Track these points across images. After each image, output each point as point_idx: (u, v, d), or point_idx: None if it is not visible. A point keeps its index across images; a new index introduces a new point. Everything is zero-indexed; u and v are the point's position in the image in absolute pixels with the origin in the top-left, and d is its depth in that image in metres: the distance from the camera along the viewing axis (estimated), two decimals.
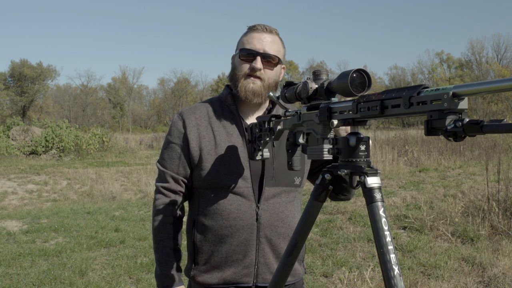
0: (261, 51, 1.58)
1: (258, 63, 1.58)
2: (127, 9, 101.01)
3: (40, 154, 17.74)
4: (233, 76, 1.64)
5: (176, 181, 1.65)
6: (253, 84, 1.59)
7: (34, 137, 18.53)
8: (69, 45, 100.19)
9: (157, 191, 1.67)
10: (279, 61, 1.63)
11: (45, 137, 17.98)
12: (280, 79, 1.69)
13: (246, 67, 1.60)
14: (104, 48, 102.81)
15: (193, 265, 1.67)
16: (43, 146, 17.84)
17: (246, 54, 1.60)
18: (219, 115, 1.66)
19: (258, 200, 1.60)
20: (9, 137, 18.79)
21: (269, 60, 1.60)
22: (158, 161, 1.69)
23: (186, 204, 1.73)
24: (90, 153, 18.35)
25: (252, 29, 1.64)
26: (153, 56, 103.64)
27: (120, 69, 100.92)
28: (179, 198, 1.66)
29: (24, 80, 48.94)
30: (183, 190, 1.67)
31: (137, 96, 64.38)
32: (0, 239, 5.93)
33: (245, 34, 1.65)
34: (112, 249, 5.49)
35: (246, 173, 1.60)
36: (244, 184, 1.59)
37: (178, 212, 1.67)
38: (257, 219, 1.59)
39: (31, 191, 10.17)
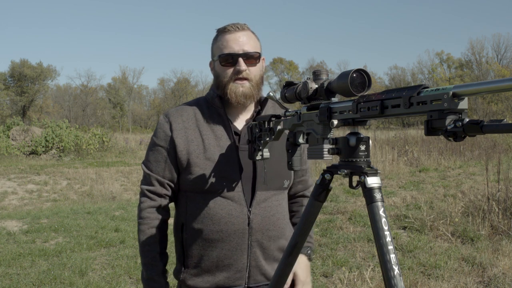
0: (241, 52, 1.55)
1: (242, 65, 1.55)
2: (127, 9, 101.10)
3: (40, 154, 17.73)
4: (219, 84, 1.60)
5: (161, 184, 1.62)
6: (242, 88, 1.56)
7: (34, 137, 18.52)
8: (69, 45, 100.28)
9: (142, 194, 1.64)
10: (259, 56, 1.61)
11: (45, 137, 17.98)
12: (264, 70, 1.67)
13: (230, 71, 1.56)
14: (104, 48, 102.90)
15: (183, 268, 1.64)
16: (43, 146, 17.83)
17: (226, 59, 1.56)
18: (207, 118, 1.63)
19: (250, 204, 1.58)
20: (9, 137, 18.79)
21: (251, 58, 1.57)
22: (144, 163, 1.65)
23: (172, 205, 1.70)
24: (90, 153, 18.35)
25: (223, 31, 1.59)
26: (153, 56, 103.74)
27: (120, 69, 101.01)
28: (164, 202, 1.64)
29: (24, 80, 48.93)
30: (169, 193, 1.64)
31: (137, 96, 64.40)
32: (0, 239, 5.93)
33: (217, 38, 1.60)
34: (112, 249, 5.49)
35: (237, 177, 1.57)
36: (235, 188, 1.57)
37: (164, 215, 1.65)
38: (248, 224, 1.57)
39: (31, 191, 10.16)
